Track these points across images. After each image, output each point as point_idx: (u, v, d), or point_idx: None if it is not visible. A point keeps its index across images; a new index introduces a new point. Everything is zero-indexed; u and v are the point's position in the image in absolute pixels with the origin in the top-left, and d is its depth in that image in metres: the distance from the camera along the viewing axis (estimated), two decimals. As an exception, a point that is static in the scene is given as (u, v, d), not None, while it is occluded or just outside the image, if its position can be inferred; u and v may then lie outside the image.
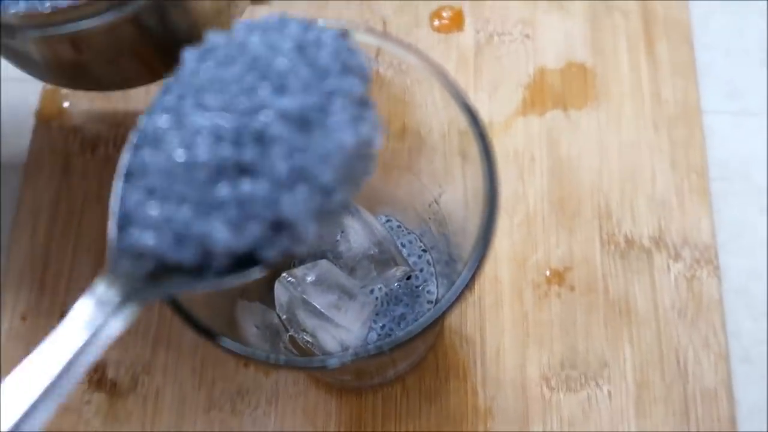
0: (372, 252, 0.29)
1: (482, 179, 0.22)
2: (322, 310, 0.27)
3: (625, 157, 0.38)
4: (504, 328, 0.35)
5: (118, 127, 0.39)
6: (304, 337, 0.28)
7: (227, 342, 0.20)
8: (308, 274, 0.28)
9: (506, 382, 0.34)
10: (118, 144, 0.39)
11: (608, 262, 0.36)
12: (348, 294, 0.28)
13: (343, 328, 0.27)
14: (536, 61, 0.40)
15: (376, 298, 0.29)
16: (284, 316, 0.28)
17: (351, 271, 0.29)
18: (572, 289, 0.36)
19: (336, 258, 0.30)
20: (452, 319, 0.35)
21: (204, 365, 0.35)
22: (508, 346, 0.35)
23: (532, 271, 0.36)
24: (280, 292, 0.28)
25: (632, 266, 0.36)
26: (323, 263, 0.29)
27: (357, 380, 0.33)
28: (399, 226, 0.32)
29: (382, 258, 0.29)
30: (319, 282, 0.28)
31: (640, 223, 0.37)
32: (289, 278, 0.28)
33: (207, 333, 0.20)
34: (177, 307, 0.20)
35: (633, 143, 0.38)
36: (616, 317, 0.35)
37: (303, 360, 0.21)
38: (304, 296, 0.27)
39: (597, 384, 0.34)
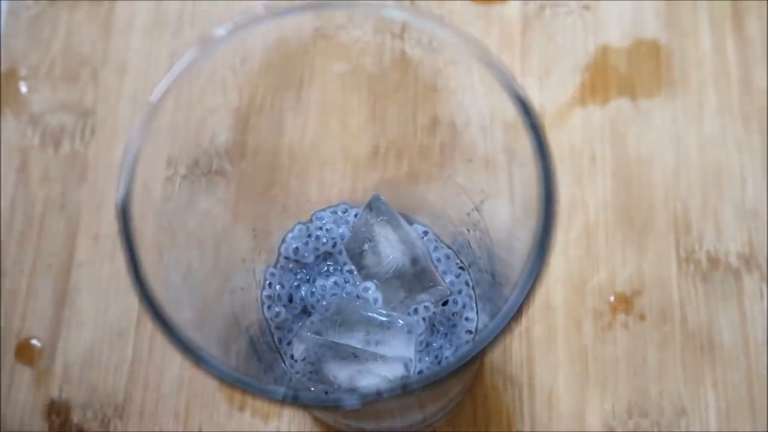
0: (405, 269, 0.29)
1: (535, 183, 0.22)
2: (360, 346, 0.28)
3: (707, 157, 0.38)
4: (558, 366, 0.35)
5: (87, 117, 0.40)
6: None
7: (217, 365, 0.21)
8: (325, 317, 0.29)
9: (560, 433, 0.34)
10: (86, 138, 0.40)
11: (687, 285, 0.36)
12: (377, 326, 0.28)
13: (394, 359, 0.28)
14: (598, 38, 0.40)
15: (423, 319, 0.30)
16: (306, 378, 0.29)
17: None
18: (642, 318, 0.36)
19: (359, 271, 0.30)
20: (494, 355, 0.35)
21: (189, 409, 0.35)
22: (562, 389, 0.35)
23: (593, 296, 0.36)
24: (298, 348, 0.29)
25: (716, 291, 0.36)
26: (335, 301, 0.30)
27: (377, 426, 0.33)
28: (431, 239, 0.32)
29: (416, 277, 0.29)
30: (339, 322, 0.28)
31: (726, 237, 0.37)
32: (306, 331, 0.29)
33: (188, 349, 0.20)
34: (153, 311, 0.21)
35: (717, 139, 0.38)
36: (697, 353, 0.35)
37: (315, 397, 0.21)
38: (333, 340, 0.28)
39: (673, 436, 0.34)
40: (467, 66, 0.25)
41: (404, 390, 0.20)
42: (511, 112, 0.23)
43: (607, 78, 0.40)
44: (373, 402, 0.20)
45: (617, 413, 0.34)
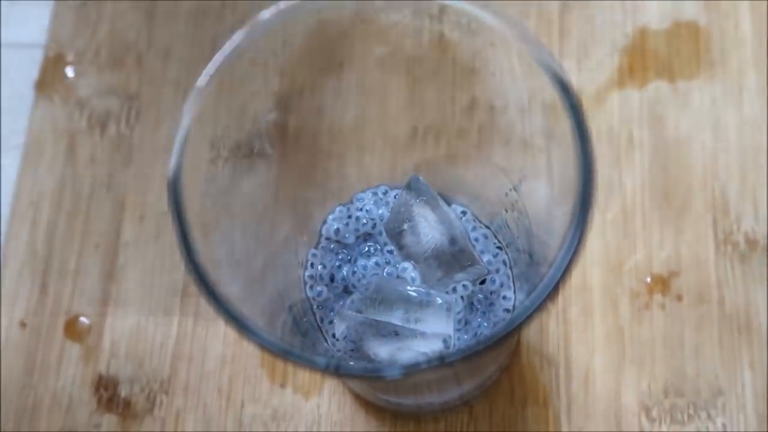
0: (443, 249, 0.30)
1: (573, 164, 0.22)
2: (400, 324, 0.28)
3: (746, 138, 0.38)
4: (594, 346, 0.35)
5: (132, 101, 0.41)
6: None
7: (263, 336, 0.21)
8: (365, 296, 0.30)
9: (596, 412, 0.34)
10: (131, 122, 0.40)
11: (724, 266, 0.36)
12: (416, 304, 0.29)
13: (433, 336, 0.28)
14: (636, 19, 0.40)
15: (462, 297, 0.30)
16: (347, 356, 0.30)
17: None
18: (679, 299, 0.36)
19: (399, 250, 0.31)
20: (531, 334, 0.35)
21: (232, 385, 0.36)
22: (599, 368, 0.35)
23: (630, 276, 0.36)
24: (339, 326, 0.30)
25: (754, 272, 0.36)
26: (375, 280, 0.30)
27: (415, 401, 0.33)
28: (469, 219, 0.32)
29: (454, 257, 0.30)
30: (379, 301, 0.29)
31: (764, 218, 0.36)
32: (348, 310, 0.30)
33: (237, 321, 0.21)
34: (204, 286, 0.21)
35: (756, 121, 0.38)
36: (734, 334, 0.35)
37: (357, 367, 0.22)
38: (374, 318, 0.28)
39: (709, 416, 0.34)
40: (506, 47, 0.25)
41: (442, 361, 0.20)
42: (550, 92, 0.23)
43: (646, 60, 0.39)
44: (413, 373, 0.20)
45: (653, 393, 0.34)
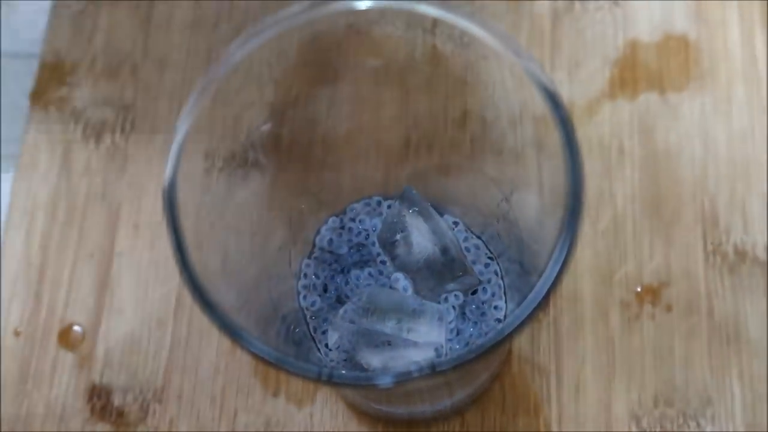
0: (436, 259, 0.30)
1: (563, 175, 0.22)
2: (392, 333, 0.28)
3: (735, 150, 0.38)
4: (585, 355, 0.35)
5: (127, 112, 0.41)
6: None
7: (256, 344, 0.21)
8: (358, 305, 0.30)
9: (587, 421, 0.34)
10: (126, 132, 0.40)
11: (714, 277, 0.36)
12: (408, 314, 0.29)
13: (425, 345, 0.29)
14: (627, 32, 0.41)
15: (453, 307, 0.30)
16: (340, 366, 0.30)
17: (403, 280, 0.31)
18: (669, 309, 0.36)
19: (392, 260, 0.31)
20: (522, 344, 0.35)
21: (225, 394, 0.36)
22: (589, 378, 0.35)
23: (620, 287, 0.36)
24: (333, 336, 0.30)
25: (743, 283, 0.36)
26: (368, 290, 0.31)
27: (407, 410, 0.34)
28: (461, 229, 0.32)
29: (446, 267, 0.30)
30: (371, 311, 0.29)
31: (753, 230, 0.37)
32: (341, 320, 0.30)
33: (231, 330, 0.21)
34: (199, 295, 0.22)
35: (745, 133, 0.38)
36: (723, 344, 0.35)
37: (349, 375, 0.22)
38: (367, 328, 0.29)
39: (698, 425, 0.34)
40: (498, 60, 0.25)
41: (434, 370, 0.20)
42: (540, 105, 0.23)
43: (636, 72, 0.40)
44: (405, 381, 0.20)
45: (643, 402, 0.34)
